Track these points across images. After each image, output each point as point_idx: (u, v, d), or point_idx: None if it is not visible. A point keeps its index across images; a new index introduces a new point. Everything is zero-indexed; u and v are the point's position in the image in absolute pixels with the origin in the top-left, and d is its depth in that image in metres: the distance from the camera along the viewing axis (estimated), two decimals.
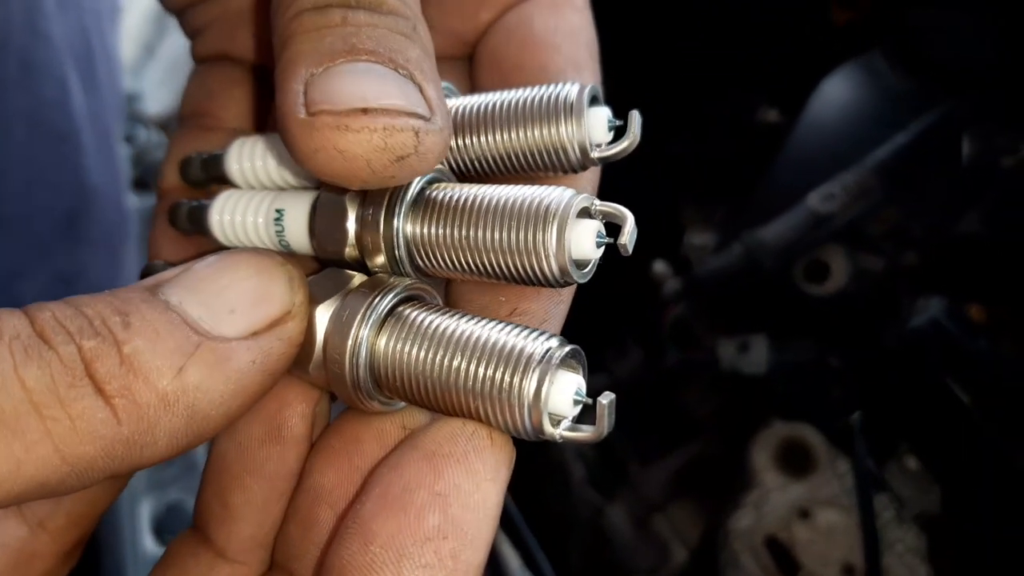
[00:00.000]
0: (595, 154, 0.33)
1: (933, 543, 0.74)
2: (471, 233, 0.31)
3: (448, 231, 0.32)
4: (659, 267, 0.87)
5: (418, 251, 0.33)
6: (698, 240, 0.80)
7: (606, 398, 0.29)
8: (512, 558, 0.78)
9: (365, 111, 0.30)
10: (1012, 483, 0.64)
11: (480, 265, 0.31)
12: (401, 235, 0.32)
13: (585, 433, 0.29)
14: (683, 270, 0.86)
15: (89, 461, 0.30)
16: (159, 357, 0.30)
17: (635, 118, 0.33)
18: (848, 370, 0.71)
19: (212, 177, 0.41)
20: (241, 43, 0.47)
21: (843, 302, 0.70)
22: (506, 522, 0.80)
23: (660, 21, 0.92)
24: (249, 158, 0.40)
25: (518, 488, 0.86)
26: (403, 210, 0.32)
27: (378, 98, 0.30)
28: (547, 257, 0.30)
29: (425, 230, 0.32)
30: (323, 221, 0.34)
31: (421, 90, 0.31)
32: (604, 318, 0.77)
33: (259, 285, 0.33)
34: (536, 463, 0.92)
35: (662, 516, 0.91)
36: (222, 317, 0.32)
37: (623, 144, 0.33)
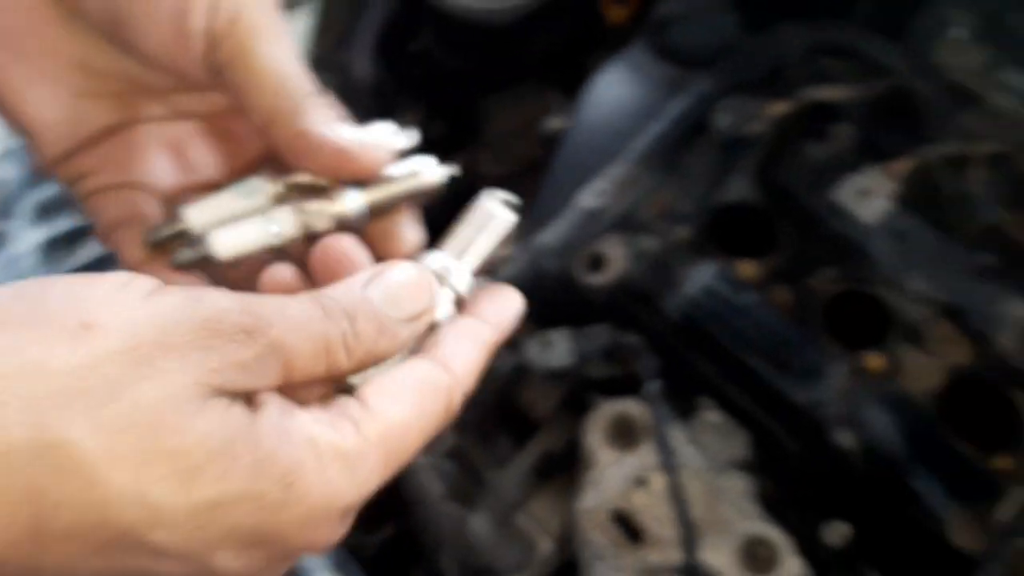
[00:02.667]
0: None
1: (752, 482, 0.81)
2: None
3: None
4: None
5: None
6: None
7: None
8: None
9: None
10: (790, 413, 0.72)
11: None
12: None
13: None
14: None
15: None
16: None
17: None
18: (642, 345, 0.77)
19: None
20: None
21: (626, 285, 0.76)
22: None
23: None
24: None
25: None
26: None
27: None
28: None
29: None
30: None
31: None
32: None
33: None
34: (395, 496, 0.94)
35: (524, 513, 0.95)
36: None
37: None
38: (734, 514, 0.81)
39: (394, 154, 0.41)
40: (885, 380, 0.73)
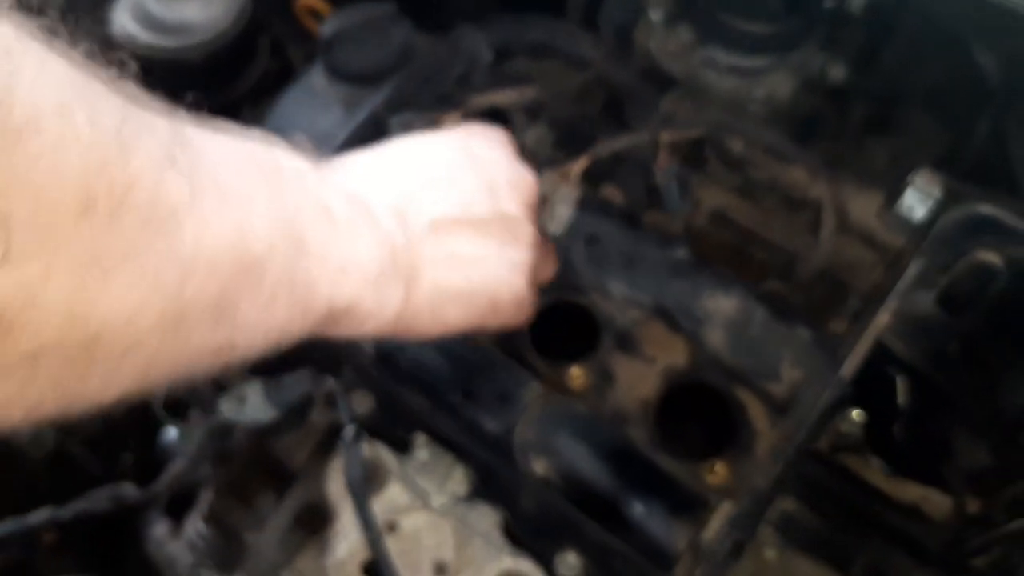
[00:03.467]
0: None
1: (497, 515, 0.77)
2: None
3: None
4: None
5: None
6: None
7: None
8: None
9: None
10: (489, 443, 0.68)
11: None
12: None
13: None
14: None
15: None
16: None
17: None
18: (339, 389, 0.73)
19: None
20: None
21: None
22: None
23: None
24: None
25: None
26: None
27: None
28: None
29: None
30: None
31: None
32: None
33: None
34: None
35: (289, 571, 0.90)
36: None
37: None
38: (486, 549, 0.78)
39: None
40: (593, 395, 0.69)
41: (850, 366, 0.60)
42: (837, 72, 0.82)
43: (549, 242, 0.68)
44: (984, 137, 0.80)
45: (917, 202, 0.65)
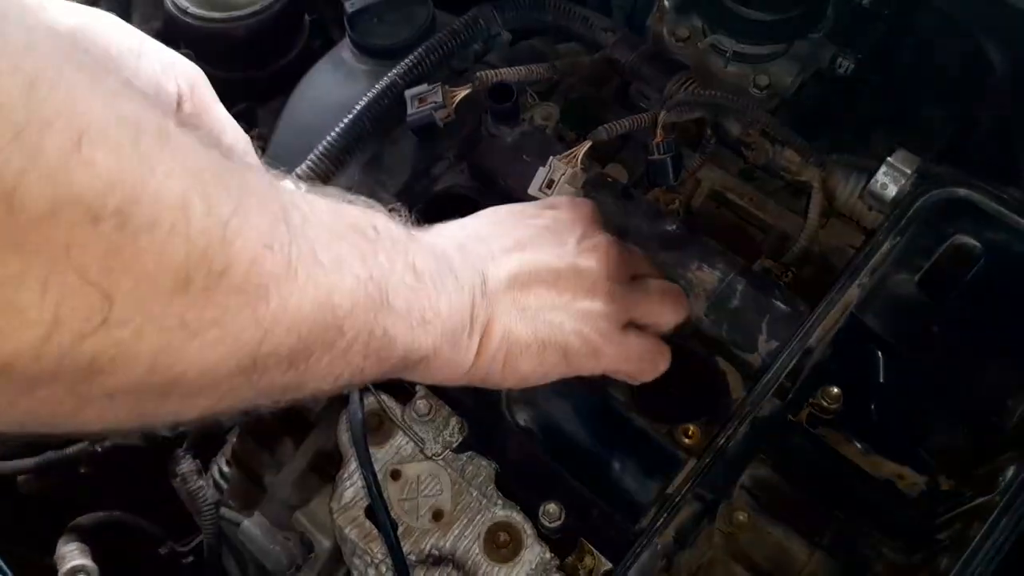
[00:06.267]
0: None
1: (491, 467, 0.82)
2: None
3: None
4: None
5: None
6: None
7: None
8: None
9: None
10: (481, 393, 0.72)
11: None
12: None
13: None
14: None
15: None
16: None
17: None
18: None
19: None
20: None
21: None
22: None
23: None
24: None
25: None
26: None
27: None
28: None
29: None
30: None
31: None
32: None
33: None
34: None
35: (303, 514, 0.95)
36: None
37: None
38: (480, 500, 0.82)
39: None
40: None
41: (815, 335, 0.63)
42: (845, 63, 0.84)
43: (669, 290, 0.70)
44: (989, 130, 0.81)
45: (889, 180, 0.67)
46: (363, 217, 0.50)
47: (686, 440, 0.70)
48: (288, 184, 0.47)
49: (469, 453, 0.81)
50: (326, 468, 0.95)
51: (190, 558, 1.08)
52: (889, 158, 0.67)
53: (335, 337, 0.45)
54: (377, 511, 0.72)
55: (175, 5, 0.93)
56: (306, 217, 0.43)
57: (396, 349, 0.51)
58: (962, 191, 0.64)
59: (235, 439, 0.99)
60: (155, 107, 0.35)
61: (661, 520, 0.63)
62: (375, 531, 0.85)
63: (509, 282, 0.61)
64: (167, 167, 0.33)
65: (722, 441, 0.62)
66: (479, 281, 0.59)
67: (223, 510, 0.96)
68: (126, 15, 1.05)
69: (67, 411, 0.35)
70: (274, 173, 0.46)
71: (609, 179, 0.77)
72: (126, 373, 0.35)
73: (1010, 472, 0.58)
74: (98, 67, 0.33)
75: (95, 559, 0.91)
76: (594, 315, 0.64)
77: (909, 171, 0.66)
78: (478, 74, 0.76)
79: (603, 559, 0.71)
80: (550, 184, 0.71)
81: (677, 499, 0.63)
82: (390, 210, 0.54)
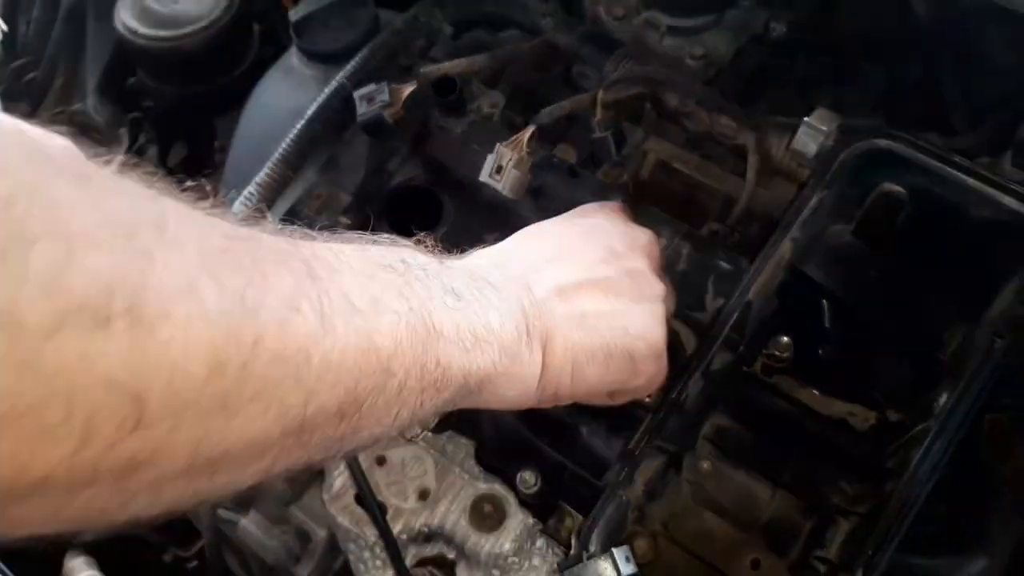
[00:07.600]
0: None
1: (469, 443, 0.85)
2: None
3: None
4: None
5: None
6: None
7: None
8: None
9: None
10: None
11: None
12: None
13: None
14: None
15: None
16: None
17: None
18: None
19: None
20: None
21: None
22: None
23: None
24: None
25: None
26: None
27: None
28: None
29: None
30: None
31: None
32: None
33: None
34: None
35: (298, 508, 0.98)
36: None
37: None
38: (463, 476, 0.86)
39: None
40: None
41: (753, 289, 0.67)
42: (777, 27, 0.88)
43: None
44: (919, 82, 0.85)
45: (809, 138, 0.71)
46: (389, 253, 0.49)
47: (646, 399, 0.74)
48: (311, 236, 0.45)
49: (448, 433, 0.84)
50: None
51: (194, 563, 1.11)
52: (807, 118, 0.71)
53: (384, 380, 0.43)
54: (364, 496, 0.75)
55: (126, 27, 0.95)
56: (333, 267, 0.43)
57: (453, 376, 0.49)
58: (883, 142, 0.68)
59: None
60: (151, 198, 0.34)
61: (623, 474, 0.67)
62: (366, 516, 0.89)
63: (557, 290, 0.59)
64: (166, 256, 0.32)
65: (674, 395, 0.66)
66: (524, 291, 0.57)
67: (220, 511, 0.99)
68: (82, 46, 1.07)
69: (115, 507, 0.35)
70: (290, 230, 0.45)
71: (556, 160, 0.80)
72: (170, 463, 0.34)
73: (943, 399, 0.63)
74: (80, 171, 0.32)
75: (102, 571, 0.94)
76: (657, 315, 0.63)
77: (826, 128, 0.70)
78: (422, 70, 0.79)
79: (582, 518, 0.75)
80: (499, 170, 0.74)
81: (636, 453, 0.67)
82: (416, 242, 0.53)
